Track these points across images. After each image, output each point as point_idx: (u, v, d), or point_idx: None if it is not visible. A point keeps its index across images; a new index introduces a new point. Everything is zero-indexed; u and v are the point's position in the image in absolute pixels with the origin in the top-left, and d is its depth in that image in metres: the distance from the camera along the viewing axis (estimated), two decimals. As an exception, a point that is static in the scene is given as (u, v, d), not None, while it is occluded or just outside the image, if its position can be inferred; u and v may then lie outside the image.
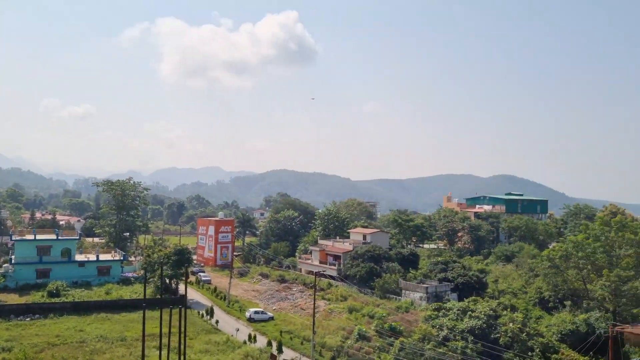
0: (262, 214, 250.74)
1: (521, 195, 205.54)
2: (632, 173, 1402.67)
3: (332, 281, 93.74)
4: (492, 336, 61.79)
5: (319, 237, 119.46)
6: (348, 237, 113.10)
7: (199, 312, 76.51)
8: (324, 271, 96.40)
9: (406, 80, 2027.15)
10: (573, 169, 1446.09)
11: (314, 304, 66.58)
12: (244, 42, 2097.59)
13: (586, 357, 58.90)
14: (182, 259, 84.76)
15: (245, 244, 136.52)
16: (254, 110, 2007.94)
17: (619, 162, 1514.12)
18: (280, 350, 60.15)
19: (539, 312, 77.30)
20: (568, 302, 76.26)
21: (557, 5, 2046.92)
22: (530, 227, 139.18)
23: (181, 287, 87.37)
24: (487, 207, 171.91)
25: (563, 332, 63.91)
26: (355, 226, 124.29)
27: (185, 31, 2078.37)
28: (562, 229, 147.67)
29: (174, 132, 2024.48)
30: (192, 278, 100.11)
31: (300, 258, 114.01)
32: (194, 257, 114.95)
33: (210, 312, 74.34)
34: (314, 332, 61.20)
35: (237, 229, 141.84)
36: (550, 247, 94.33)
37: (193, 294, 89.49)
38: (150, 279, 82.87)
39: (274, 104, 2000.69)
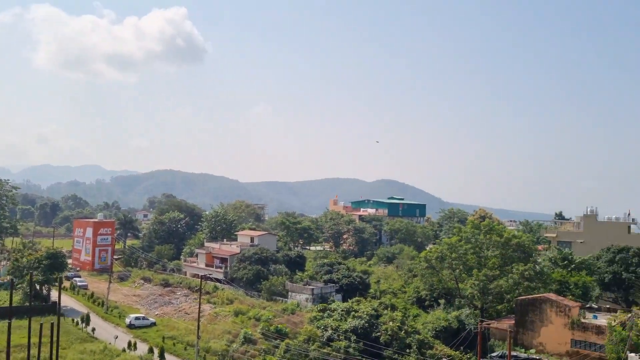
0: (145, 216, 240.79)
1: (402, 199, 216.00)
2: (499, 181, 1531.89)
3: (218, 284, 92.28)
4: (373, 335, 64.26)
5: (205, 240, 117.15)
6: (236, 240, 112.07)
7: (73, 320, 71.77)
8: (210, 274, 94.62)
9: (295, 83, 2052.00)
10: (448, 176, 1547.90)
11: (199, 308, 65.18)
12: (129, 36, 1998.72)
13: (457, 352, 63.27)
14: (55, 263, 79.21)
15: (126, 246, 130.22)
16: (138, 107, 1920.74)
17: (488, 171, 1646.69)
18: (162, 357, 58.13)
19: (417, 310, 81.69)
20: (442, 301, 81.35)
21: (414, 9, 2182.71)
22: (410, 229, 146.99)
23: (54, 294, 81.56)
24: (371, 211, 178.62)
25: (437, 329, 68.12)
26: (243, 228, 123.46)
27: (63, 20, 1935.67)
28: (438, 232, 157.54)
29: (48, 127, 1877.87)
30: (66, 283, 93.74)
31: (185, 261, 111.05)
32: (69, 261, 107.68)
33: (86, 320, 70.03)
34: (198, 337, 59.89)
35: (118, 231, 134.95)
36: (427, 248, 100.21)
37: (67, 301, 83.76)
38: (19, 285, 76.44)
39: (159, 101, 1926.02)
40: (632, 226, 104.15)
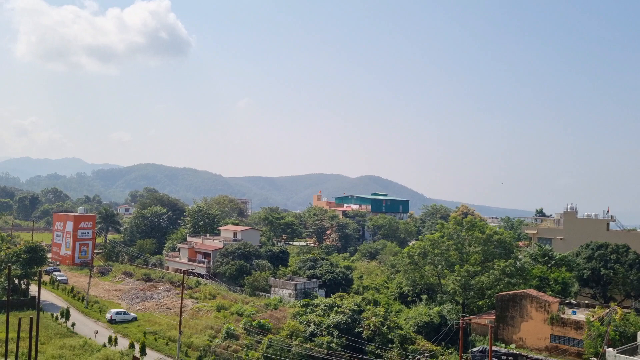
0: (127, 210, 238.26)
1: (385, 195, 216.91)
2: (481, 178, 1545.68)
3: (200, 279, 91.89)
4: (356, 330, 64.51)
5: (188, 234, 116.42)
6: (218, 235, 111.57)
7: (52, 315, 70.88)
8: (192, 269, 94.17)
9: (279, 78, 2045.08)
10: (431, 173, 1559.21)
11: (181, 303, 64.77)
12: (111, 27, 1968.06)
13: (439, 347, 63.81)
14: (34, 257, 78.12)
15: (107, 241, 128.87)
16: (120, 100, 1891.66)
17: (470, 168, 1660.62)
18: (143, 352, 57.68)
19: (399, 305, 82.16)
20: (424, 296, 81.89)
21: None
22: (393, 225, 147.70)
23: (33, 288, 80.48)
24: (354, 206, 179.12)
25: (419, 324, 68.62)
26: (226, 223, 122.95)
27: (43, 10, 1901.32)
28: (420, 228, 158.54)
29: (27, 119, 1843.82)
30: (45, 278, 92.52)
31: (167, 256, 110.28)
32: (49, 255, 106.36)
33: (66, 314, 69.17)
34: (180, 332, 59.56)
35: (99, 225, 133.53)
36: (410, 244, 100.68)
37: (47, 295, 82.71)
38: (-4, 280, 75.24)
39: (142, 94, 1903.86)
40: (611, 223, 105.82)
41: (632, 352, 28.75)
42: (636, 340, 31.97)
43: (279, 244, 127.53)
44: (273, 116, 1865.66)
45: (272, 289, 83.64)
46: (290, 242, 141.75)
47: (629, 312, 68.34)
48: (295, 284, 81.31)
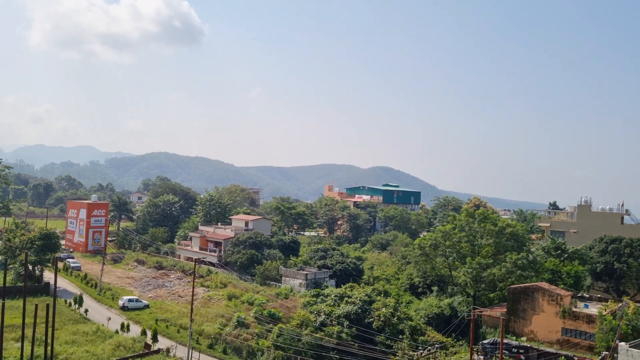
0: (139, 198, 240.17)
1: (397, 186, 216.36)
2: (494, 170, 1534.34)
3: (212, 268, 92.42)
4: (366, 320, 64.59)
5: (199, 223, 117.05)
6: (230, 224, 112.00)
7: (66, 301, 71.70)
8: (204, 258, 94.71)
9: (291, 69, 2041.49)
10: (443, 165, 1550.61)
11: (193, 291, 65.24)
12: (125, 15, 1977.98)
13: (449, 339, 63.73)
14: (48, 244, 78.90)
15: (120, 228, 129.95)
16: (133, 88, 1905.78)
17: (483, 160, 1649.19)
18: (155, 339, 58.24)
19: (409, 297, 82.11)
20: (435, 288, 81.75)
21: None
22: (404, 217, 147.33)
23: (47, 274, 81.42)
24: (365, 197, 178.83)
25: (430, 316, 68.54)
26: (238, 213, 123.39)
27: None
28: (432, 219, 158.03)
29: (42, 107, 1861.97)
30: (59, 265, 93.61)
31: (179, 244, 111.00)
32: (63, 242, 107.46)
33: (79, 301, 69.97)
34: (191, 320, 59.97)
35: (112, 213, 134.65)
36: (421, 236, 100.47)
37: (60, 282, 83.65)
38: (11, 266, 76.16)
39: (155, 83, 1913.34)
40: (625, 217, 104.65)
41: (645, 346, 28.54)
42: (649, 335, 31.98)
43: (290, 233, 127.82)
44: (285, 106, 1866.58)
45: (283, 278, 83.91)
46: (302, 232, 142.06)
47: (642, 307, 67.64)
48: (306, 274, 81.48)
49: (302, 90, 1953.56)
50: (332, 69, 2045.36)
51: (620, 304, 62.51)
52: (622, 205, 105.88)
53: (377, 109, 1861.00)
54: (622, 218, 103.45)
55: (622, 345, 27.95)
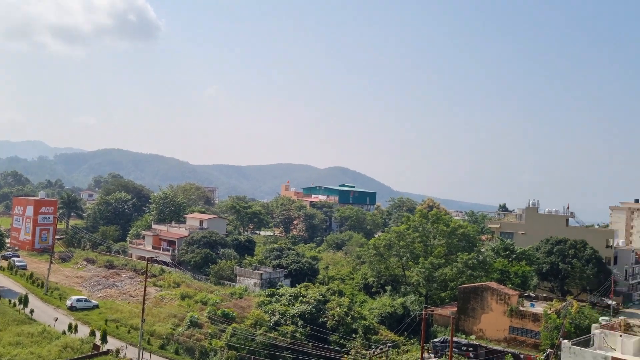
0: (90, 195, 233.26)
1: (353, 187, 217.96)
2: (447, 172, 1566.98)
3: (165, 267, 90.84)
4: (320, 320, 64.92)
5: (153, 222, 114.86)
6: (184, 223, 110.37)
7: (10, 301, 68.97)
8: (157, 257, 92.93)
9: (248, 66, 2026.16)
10: (399, 166, 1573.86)
11: (145, 290, 63.92)
12: (77, 7, 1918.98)
13: (401, 337, 64.77)
14: (-8, 242, 75.77)
15: (69, 226, 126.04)
16: (86, 82, 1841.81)
17: (437, 162, 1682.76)
18: (104, 340, 56.75)
19: (364, 296, 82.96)
20: (389, 287, 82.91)
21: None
22: (360, 217, 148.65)
23: (-11, 274, 78.21)
24: (322, 197, 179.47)
25: (383, 315, 69.50)
26: (193, 211, 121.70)
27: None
28: (387, 220, 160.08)
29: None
30: (3, 263, 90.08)
31: (131, 243, 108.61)
32: (7, 240, 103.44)
33: (24, 301, 67.42)
34: (142, 320, 58.74)
35: (61, 211, 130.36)
36: (376, 236, 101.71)
37: (5, 281, 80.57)
38: (-50, 264, 72.88)
39: (108, 78, 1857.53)
40: (570, 219, 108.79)
41: (585, 344, 29.78)
42: (590, 333, 33.21)
43: (245, 233, 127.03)
44: (242, 104, 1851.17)
45: (238, 278, 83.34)
46: (257, 232, 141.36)
47: (584, 306, 70.53)
48: (261, 274, 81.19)
49: (260, 89, 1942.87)
50: (290, 67, 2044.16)
51: (564, 303, 65.04)
52: (568, 208, 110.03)
53: (336, 110, 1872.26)
54: (567, 220, 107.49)
55: (565, 342, 29.15)
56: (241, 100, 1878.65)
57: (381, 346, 60.22)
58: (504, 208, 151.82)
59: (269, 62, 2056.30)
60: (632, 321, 35.43)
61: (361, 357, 56.06)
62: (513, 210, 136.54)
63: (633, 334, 32.47)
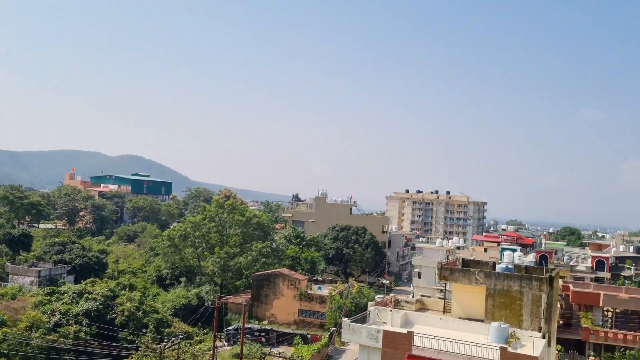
0: None
1: (147, 176, 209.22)
2: (245, 162, 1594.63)
3: None
4: (108, 317, 61.25)
5: None
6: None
7: None
8: None
9: (35, 37, 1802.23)
10: (196, 155, 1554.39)
11: None
12: None
13: (195, 328, 64.38)
14: None
15: None
16: None
17: (234, 152, 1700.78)
18: None
19: (157, 289, 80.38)
20: (183, 279, 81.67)
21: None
22: (154, 207, 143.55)
23: None
24: (112, 187, 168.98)
25: (177, 307, 68.22)
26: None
27: None
28: (183, 210, 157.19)
29: None
30: None
31: None
32: None
33: None
34: None
35: None
36: (172, 227, 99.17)
37: None
38: None
39: None
40: (353, 208, 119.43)
41: (363, 320, 33.24)
42: (367, 310, 37.24)
43: (21, 226, 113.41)
44: (17, 76, 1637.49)
45: (10, 276, 74.24)
46: (36, 225, 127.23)
47: (363, 286, 78.36)
48: (39, 271, 73.53)
49: (40, 63, 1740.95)
50: (84, 45, 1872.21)
51: (346, 285, 71.36)
52: (351, 197, 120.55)
53: (127, 91, 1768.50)
54: (351, 209, 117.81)
55: (345, 320, 32.12)
56: (16, 70, 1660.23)
57: (173, 339, 59.16)
58: (296, 198, 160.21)
59: (56, 36, 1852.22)
60: (401, 297, 40.35)
61: (151, 352, 54.34)
62: (305, 200, 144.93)
63: (400, 308, 37.06)
